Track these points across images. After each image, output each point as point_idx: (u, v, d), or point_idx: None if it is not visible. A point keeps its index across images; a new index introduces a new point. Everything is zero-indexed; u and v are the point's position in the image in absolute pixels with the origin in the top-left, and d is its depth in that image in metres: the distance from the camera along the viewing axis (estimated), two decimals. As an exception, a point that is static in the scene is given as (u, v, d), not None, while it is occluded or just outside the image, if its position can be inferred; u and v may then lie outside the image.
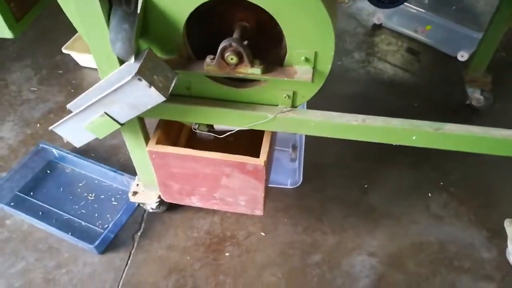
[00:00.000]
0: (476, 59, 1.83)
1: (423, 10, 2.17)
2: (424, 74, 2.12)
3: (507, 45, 2.23)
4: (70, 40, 2.10)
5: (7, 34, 0.98)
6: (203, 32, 1.04)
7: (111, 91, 0.92)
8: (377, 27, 2.38)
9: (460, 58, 2.14)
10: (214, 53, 0.95)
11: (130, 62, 0.93)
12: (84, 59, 2.11)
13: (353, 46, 2.27)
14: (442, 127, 1.03)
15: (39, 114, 1.92)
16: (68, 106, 1.09)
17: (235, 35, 0.97)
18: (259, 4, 0.87)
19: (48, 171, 1.66)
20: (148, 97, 0.92)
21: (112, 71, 1.00)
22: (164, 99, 0.93)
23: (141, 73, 0.87)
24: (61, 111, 1.92)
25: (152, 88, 0.89)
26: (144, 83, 0.88)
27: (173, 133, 1.34)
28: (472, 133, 1.03)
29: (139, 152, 1.28)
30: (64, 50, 2.08)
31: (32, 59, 2.19)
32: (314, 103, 1.17)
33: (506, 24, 1.67)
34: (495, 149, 1.05)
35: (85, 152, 1.68)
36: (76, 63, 2.15)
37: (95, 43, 0.96)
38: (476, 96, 1.86)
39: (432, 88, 2.03)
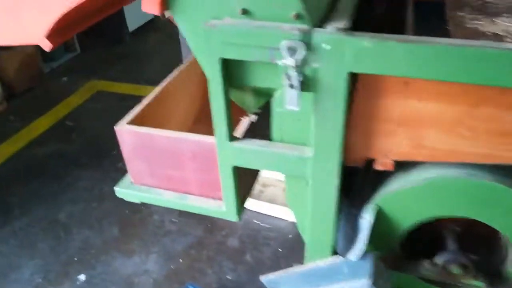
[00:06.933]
0: None
1: None
2: None
3: None
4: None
5: (233, 218, 1.08)
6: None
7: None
8: None
9: None
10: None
11: (348, 260, 0.97)
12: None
13: None
14: None
15: (181, 247, 2.02)
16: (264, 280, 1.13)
17: (449, 243, 0.99)
18: (488, 224, 0.90)
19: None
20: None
21: (321, 258, 1.05)
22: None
23: (374, 281, 0.91)
24: (201, 247, 2.00)
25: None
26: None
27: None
28: None
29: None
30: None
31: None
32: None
33: None
34: None
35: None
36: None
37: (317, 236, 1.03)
38: None
39: None
